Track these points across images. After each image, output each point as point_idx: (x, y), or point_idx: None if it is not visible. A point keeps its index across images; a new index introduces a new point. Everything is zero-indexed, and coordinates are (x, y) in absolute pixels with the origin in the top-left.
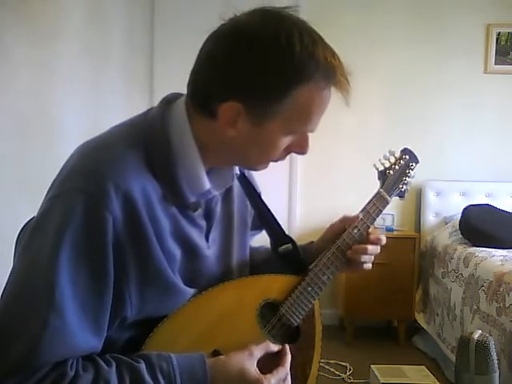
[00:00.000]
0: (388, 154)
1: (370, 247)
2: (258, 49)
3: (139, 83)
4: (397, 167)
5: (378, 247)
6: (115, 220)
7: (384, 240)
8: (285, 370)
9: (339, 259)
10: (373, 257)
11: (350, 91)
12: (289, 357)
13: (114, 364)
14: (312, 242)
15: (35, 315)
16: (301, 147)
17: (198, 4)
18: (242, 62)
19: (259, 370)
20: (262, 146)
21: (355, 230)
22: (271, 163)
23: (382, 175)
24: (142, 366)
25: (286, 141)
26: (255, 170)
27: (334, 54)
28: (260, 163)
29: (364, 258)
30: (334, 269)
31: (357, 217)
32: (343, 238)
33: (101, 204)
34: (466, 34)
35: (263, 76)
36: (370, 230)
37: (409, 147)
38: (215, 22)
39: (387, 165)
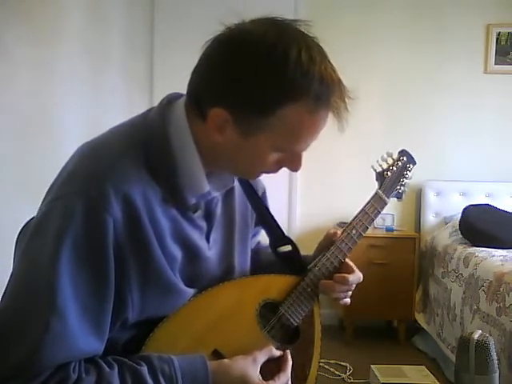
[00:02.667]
0: (385, 156)
1: (337, 286)
2: (251, 59)
3: (139, 83)
4: (394, 168)
5: (349, 286)
6: (115, 222)
7: (354, 279)
8: (286, 376)
9: (338, 260)
10: (349, 292)
11: (345, 116)
12: (290, 363)
13: (116, 366)
14: (307, 255)
15: (36, 318)
16: (292, 164)
17: (197, 4)
18: (234, 70)
19: (260, 372)
20: (249, 157)
21: (353, 231)
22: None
23: (380, 176)
24: (144, 368)
25: (274, 156)
26: (246, 178)
27: (333, 75)
28: (249, 173)
29: (335, 294)
30: (333, 269)
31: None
32: (341, 238)
33: (101, 206)
34: (466, 34)
35: (251, 88)
36: (344, 261)
37: (406, 149)
38: (215, 22)
39: (385, 166)
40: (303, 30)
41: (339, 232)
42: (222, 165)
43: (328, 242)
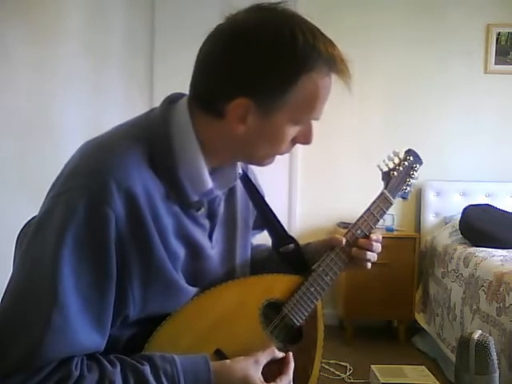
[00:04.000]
0: (392, 155)
1: (374, 243)
2: (262, 46)
3: (139, 83)
4: (401, 168)
5: (380, 246)
6: (117, 217)
7: (380, 237)
8: (287, 378)
9: (342, 260)
10: (376, 255)
11: (351, 78)
12: (292, 365)
13: (118, 365)
14: (309, 244)
15: (38, 312)
16: (305, 137)
17: (198, 4)
18: (246, 60)
19: (262, 373)
20: (271, 138)
21: (358, 231)
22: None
23: (386, 176)
24: (147, 368)
25: (292, 131)
26: (261, 165)
27: (332, 43)
28: (267, 157)
29: (368, 254)
30: (337, 269)
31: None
32: (346, 239)
33: (103, 201)
34: (466, 34)
35: (269, 71)
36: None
37: (413, 148)
38: (215, 22)
39: (391, 166)
40: (292, 10)
41: (344, 240)
42: (235, 157)
43: (328, 247)
